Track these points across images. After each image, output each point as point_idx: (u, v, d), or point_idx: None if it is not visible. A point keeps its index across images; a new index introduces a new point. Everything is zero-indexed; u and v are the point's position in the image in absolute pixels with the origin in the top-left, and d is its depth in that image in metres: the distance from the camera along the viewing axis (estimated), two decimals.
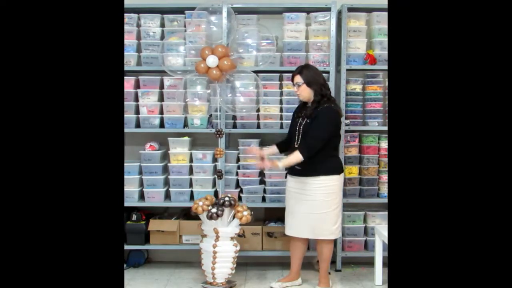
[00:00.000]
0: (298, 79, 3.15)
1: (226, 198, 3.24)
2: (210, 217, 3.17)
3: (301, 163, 3.09)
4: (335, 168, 3.20)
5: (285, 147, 3.36)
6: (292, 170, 3.22)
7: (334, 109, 3.16)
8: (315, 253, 3.53)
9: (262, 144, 3.75)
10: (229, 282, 3.33)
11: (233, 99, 3.43)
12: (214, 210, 3.18)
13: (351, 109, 3.75)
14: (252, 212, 3.29)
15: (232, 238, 3.26)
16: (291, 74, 3.47)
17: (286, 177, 3.43)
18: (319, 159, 3.10)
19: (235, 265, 3.29)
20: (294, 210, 3.23)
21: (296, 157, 3.08)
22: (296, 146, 3.15)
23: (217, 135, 3.45)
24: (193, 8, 3.59)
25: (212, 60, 3.26)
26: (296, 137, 3.18)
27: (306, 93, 3.16)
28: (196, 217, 3.41)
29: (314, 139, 3.08)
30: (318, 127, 3.09)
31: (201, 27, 3.52)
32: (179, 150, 3.72)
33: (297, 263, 3.39)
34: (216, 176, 3.57)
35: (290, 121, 3.37)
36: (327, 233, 3.20)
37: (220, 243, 3.20)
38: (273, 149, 3.36)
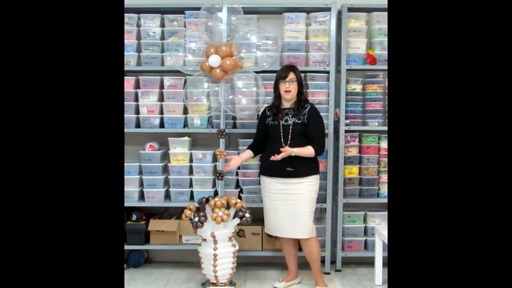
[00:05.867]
0: (293, 75, 3.18)
1: (203, 200, 3.23)
2: (195, 227, 3.15)
3: (293, 164, 3.10)
4: (318, 167, 3.29)
5: (260, 150, 3.38)
6: (279, 172, 3.16)
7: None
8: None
9: None
10: (231, 282, 3.34)
11: (233, 99, 3.41)
12: (196, 219, 3.15)
13: (351, 109, 3.74)
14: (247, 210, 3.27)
15: (230, 239, 3.25)
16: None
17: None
18: (311, 158, 3.18)
19: (235, 264, 3.29)
20: (289, 211, 3.18)
21: (310, 150, 3.12)
22: (286, 146, 3.12)
23: (219, 135, 3.43)
24: (193, 8, 3.60)
25: (214, 60, 3.22)
26: (283, 138, 3.16)
27: (295, 91, 3.21)
28: None
29: (321, 137, 3.23)
30: (319, 126, 3.22)
31: (202, 27, 3.50)
32: (179, 150, 3.72)
33: (295, 262, 3.41)
34: (215, 176, 3.55)
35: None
36: (314, 231, 3.25)
37: (219, 246, 3.19)
38: (249, 153, 3.37)
